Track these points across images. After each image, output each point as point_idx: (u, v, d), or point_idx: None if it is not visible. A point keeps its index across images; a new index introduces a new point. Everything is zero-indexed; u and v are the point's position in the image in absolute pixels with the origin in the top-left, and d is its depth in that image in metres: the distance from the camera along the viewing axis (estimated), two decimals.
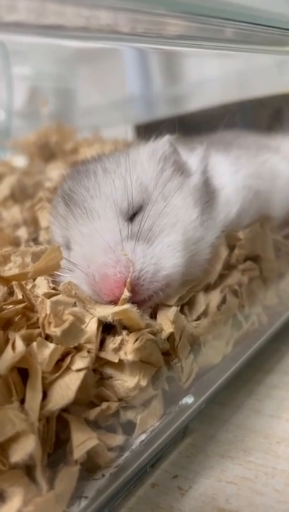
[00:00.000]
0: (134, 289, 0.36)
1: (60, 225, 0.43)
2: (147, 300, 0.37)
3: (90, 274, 0.36)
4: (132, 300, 0.35)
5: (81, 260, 0.38)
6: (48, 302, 0.33)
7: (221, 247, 0.43)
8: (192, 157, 0.47)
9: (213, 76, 1.01)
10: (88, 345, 0.33)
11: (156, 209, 0.40)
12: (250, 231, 0.47)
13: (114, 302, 0.35)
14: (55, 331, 0.32)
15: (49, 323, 0.32)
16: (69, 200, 0.41)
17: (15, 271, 0.40)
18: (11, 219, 0.58)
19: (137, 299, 0.36)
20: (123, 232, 0.38)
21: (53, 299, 0.34)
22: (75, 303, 0.35)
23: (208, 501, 0.34)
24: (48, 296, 0.35)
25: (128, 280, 0.35)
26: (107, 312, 0.34)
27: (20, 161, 0.86)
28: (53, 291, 0.36)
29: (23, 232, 0.54)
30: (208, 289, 0.43)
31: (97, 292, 0.36)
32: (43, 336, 0.33)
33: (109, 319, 0.34)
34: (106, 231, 0.38)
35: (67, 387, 0.30)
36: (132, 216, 0.40)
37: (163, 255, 0.38)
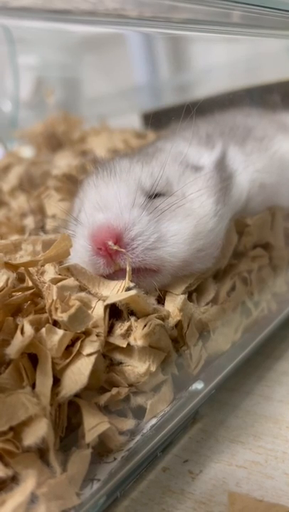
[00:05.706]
0: (122, 246, 0.34)
1: (78, 199, 0.42)
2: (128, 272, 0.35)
3: (89, 226, 0.35)
4: (114, 262, 0.34)
5: (85, 219, 0.37)
6: (54, 288, 0.33)
7: (231, 233, 0.43)
8: (207, 150, 0.47)
9: (221, 63, 1.00)
10: (96, 330, 0.33)
11: (174, 199, 0.39)
12: (258, 218, 0.47)
13: (104, 255, 0.34)
14: (61, 316, 0.32)
15: (56, 308, 0.32)
16: (95, 176, 0.41)
17: (27, 258, 0.40)
18: (18, 208, 0.58)
19: (119, 261, 0.35)
20: (137, 200, 0.36)
21: (59, 284, 0.34)
22: (79, 287, 0.35)
23: (218, 485, 0.34)
24: (55, 281, 0.35)
25: (120, 232, 0.34)
26: (116, 299, 0.34)
27: (27, 152, 0.86)
28: (60, 276, 0.36)
29: (30, 221, 0.55)
30: (217, 276, 0.43)
31: (88, 243, 0.35)
32: (50, 321, 0.33)
33: (115, 300, 0.34)
34: (119, 194, 0.37)
35: (79, 372, 0.30)
36: (151, 196, 0.38)
37: (167, 238, 0.36)
